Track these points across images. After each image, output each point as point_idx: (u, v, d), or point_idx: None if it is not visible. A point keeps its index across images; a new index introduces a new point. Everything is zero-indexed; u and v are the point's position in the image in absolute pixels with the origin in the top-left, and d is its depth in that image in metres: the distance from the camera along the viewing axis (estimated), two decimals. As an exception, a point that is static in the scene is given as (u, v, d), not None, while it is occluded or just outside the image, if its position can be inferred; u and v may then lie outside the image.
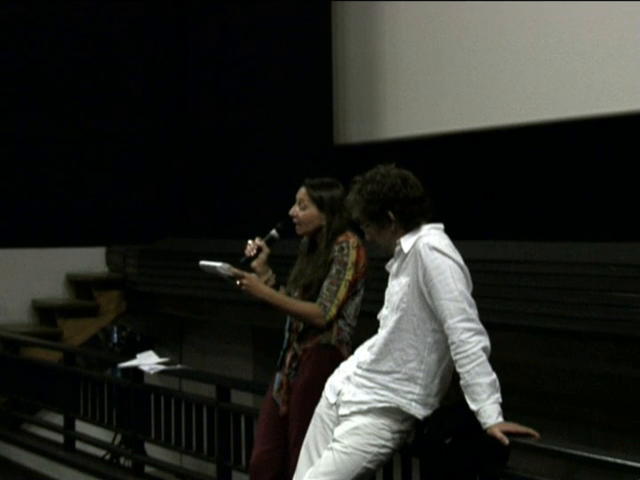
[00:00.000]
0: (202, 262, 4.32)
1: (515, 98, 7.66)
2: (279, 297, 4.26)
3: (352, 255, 4.17)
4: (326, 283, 4.16)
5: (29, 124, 9.14)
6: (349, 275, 4.16)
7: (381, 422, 3.69)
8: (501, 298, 5.87)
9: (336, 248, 4.19)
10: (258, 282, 4.24)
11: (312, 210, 4.30)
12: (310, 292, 4.22)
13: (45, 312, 9.05)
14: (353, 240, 4.21)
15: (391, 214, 3.71)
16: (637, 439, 5.75)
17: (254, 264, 4.36)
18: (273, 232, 4.39)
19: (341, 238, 4.21)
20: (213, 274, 4.30)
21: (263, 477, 4.34)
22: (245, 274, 4.22)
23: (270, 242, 4.37)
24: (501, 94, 7.78)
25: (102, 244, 9.41)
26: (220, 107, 9.36)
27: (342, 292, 4.15)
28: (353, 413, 3.72)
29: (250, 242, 4.37)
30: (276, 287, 4.38)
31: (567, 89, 7.27)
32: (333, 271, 4.16)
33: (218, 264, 4.25)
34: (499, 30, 7.85)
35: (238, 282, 4.21)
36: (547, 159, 7.48)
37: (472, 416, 3.51)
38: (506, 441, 3.45)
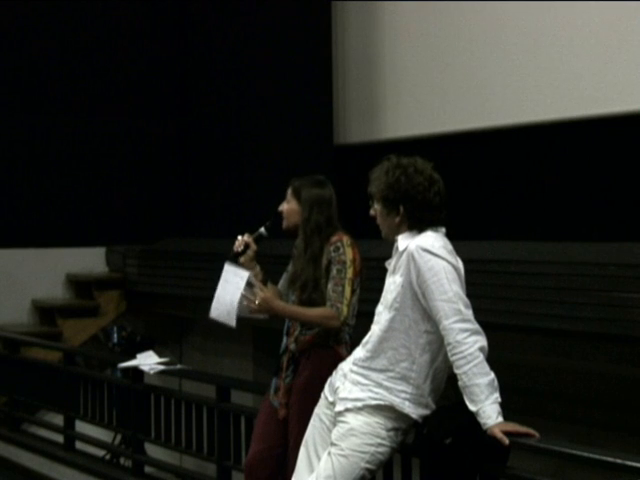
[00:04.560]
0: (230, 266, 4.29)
1: (515, 98, 7.66)
2: (292, 308, 4.26)
3: (349, 253, 4.18)
4: (330, 285, 4.16)
5: (29, 124, 9.14)
6: (350, 273, 4.16)
7: (375, 420, 3.68)
8: (501, 298, 5.87)
9: (331, 249, 4.19)
10: (274, 297, 4.24)
11: (293, 204, 4.34)
12: (307, 291, 4.22)
13: (45, 312, 9.05)
14: (346, 239, 4.21)
15: (402, 208, 3.71)
16: (637, 439, 5.75)
17: (242, 260, 4.39)
18: (262, 230, 4.43)
19: (334, 238, 4.21)
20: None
21: (258, 476, 4.34)
22: (263, 290, 4.21)
23: (258, 239, 4.41)
24: (501, 94, 7.78)
25: (102, 244, 9.42)
26: (220, 107, 9.36)
27: (348, 291, 4.15)
28: (348, 410, 3.72)
29: (239, 237, 4.40)
30: (264, 283, 4.38)
31: (567, 89, 7.27)
32: (334, 272, 4.16)
33: (245, 275, 4.23)
34: (499, 30, 7.85)
35: (257, 299, 4.19)
36: (547, 159, 7.48)
37: (472, 416, 3.51)
38: (506, 441, 3.45)
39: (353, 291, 4.20)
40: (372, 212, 3.82)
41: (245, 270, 4.26)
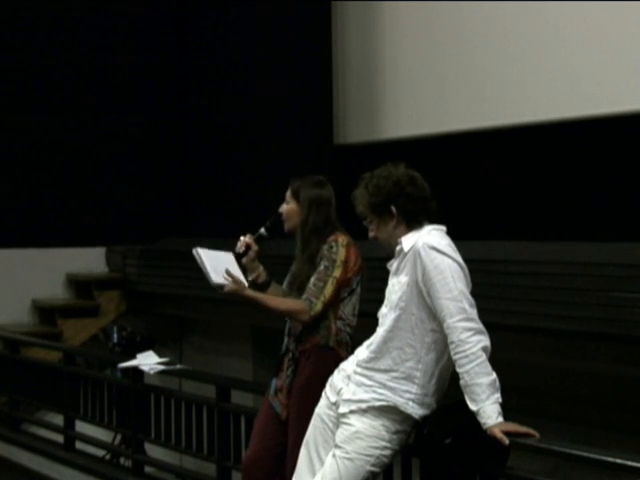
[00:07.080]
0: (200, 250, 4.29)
1: (515, 98, 7.65)
2: (262, 296, 4.26)
3: (341, 253, 4.17)
4: (313, 279, 4.16)
5: (29, 124, 9.14)
6: (337, 272, 4.15)
7: (379, 423, 3.69)
8: (501, 298, 5.87)
9: (325, 247, 4.20)
10: (243, 288, 4.22)
11: (292, 205, 4.35)
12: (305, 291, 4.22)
13: (45, 312, 9.06)
14: (342, 239, 4.21)
15: (393, 208, 3.72)
16: (637, 439, 5.74)
17: (243, 261, 4.39)
18: (262, 230, 4.43)
19: (331, 238, 4.22)
20: (200, 265, 4.28)
21: (255, 475, 4.33)
22: (232, 280, 4.20)
23: (259, 240, 4.41)
24: (501, 94, 7.77)
25: (102, 244, 9.42)
26: (220, 107, 9.36)
27: (329, 289, 4.14)
28: (352, 412, 3.72)
29: (242, 238, 4.40)
30: (267, 283, 4.37)
31: (568, 89, 7.27)
32: (321, 267, 4.16)
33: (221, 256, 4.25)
34: (499, 30, 7.85)
35: (225, 286, 4.19)
36: (547, 159, 7.47)
37: (472, 416, 3.51)
38: (506, 441, 3.45)
39: (351, 292, 4.21)
40: (371, 234, 3.83)
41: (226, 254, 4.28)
